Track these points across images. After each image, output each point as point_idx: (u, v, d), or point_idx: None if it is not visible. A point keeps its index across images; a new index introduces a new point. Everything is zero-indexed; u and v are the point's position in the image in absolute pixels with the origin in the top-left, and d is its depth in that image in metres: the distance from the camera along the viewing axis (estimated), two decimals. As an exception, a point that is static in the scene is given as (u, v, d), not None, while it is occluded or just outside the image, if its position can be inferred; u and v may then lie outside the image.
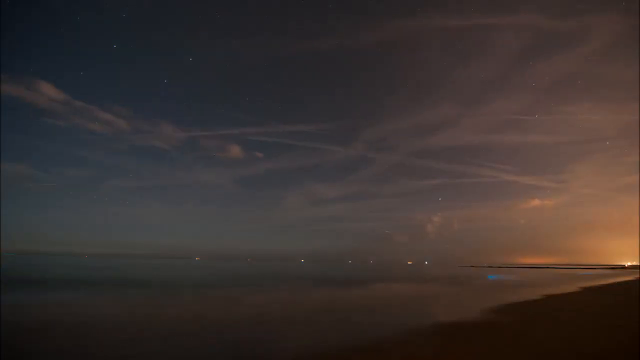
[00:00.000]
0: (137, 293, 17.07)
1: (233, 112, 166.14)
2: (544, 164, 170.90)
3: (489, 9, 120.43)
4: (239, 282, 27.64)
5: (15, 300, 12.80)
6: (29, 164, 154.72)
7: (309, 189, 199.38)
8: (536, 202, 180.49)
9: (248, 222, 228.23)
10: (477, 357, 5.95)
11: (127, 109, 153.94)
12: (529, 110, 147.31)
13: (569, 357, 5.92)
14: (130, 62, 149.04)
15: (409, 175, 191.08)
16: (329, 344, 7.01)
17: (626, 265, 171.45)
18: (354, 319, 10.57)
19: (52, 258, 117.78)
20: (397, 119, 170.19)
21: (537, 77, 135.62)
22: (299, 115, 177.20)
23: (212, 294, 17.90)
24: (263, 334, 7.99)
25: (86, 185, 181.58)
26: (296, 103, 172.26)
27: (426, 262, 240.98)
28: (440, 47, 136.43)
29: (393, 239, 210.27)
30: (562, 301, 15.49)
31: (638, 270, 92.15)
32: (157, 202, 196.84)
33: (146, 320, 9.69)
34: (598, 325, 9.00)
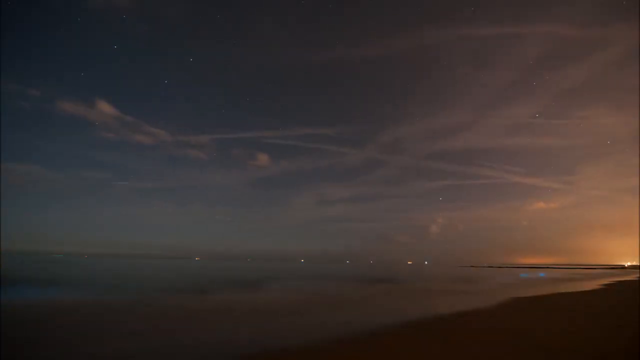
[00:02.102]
0: (132, 291, 17.05)
1: (247, 114, 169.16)
2: (554, 165, 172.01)
3: (512, 18, 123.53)
4: (232, 280, 27.65)
5: (16, 299, 12.79)
6: (29, 163, 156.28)
7: (317, 191, 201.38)
8: (543, 202, 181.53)
9: (253, 223, 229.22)
10: (476, 356, 5.93)
11: (130, 110, 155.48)
12: (543, 114, 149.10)
13: (569, 357, 5.90)
14: (131, 62, 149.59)
15: (418, 177, 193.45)
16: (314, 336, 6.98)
17: (626, 265, 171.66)
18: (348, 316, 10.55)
19: (52, 258, 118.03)
20: (413, 123, 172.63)
21: (554, 83, 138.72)
22: (314, 118, 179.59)
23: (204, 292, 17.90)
24: (253, 333, 7.98)
25: (91, 186, 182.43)
26: (312, 106, 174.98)
27: (426, 262, 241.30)
28: (459, 54, 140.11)
29: (397, 239, 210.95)
30: (561, 301, 15.46)
31: (638, 270, 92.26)
32: (159, 202, 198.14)
33: (143, 319, 9.67)
34: (598, 325, 8.98)
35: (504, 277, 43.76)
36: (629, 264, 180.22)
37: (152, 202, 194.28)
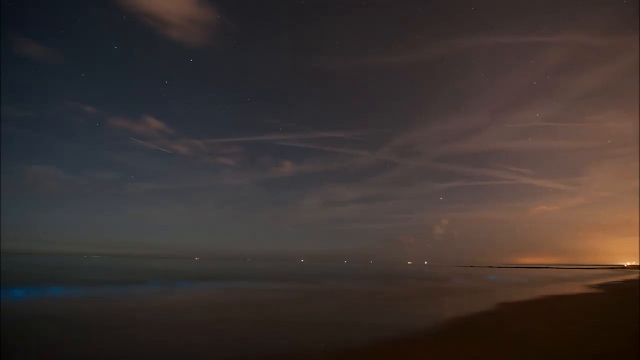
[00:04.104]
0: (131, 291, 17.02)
1: (261, 118, 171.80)
2: (563, 167, 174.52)
3: (534, 28, 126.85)
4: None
5: (16, 299, 12.77)
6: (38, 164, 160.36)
7: (327, 192, 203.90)
8: (549, 203, 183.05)
9: (259, 223, 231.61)
10: (476, 356, 5.93)
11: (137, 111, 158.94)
12: (557, 118, 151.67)
13: (569, 357, 5.90)
14: (131, 64, 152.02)
15: (427, 179, 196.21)
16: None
17: (626, 265, 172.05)
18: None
19: (48, 258, 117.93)
20: (427, 126, 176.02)
21: (571, 89, 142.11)
22: (330, 122, 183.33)
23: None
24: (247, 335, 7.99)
25: (100, 187, 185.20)
26: (329, 111, 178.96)
27: (425, 262, 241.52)
28: (480, 63, 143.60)
29: (401, 239, 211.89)
30: (562, 301, 15.47)
31: (638, 270, 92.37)
32: (165, 203, 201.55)
33: (139, 320, 9.64)
34: (598, 325, 8.98)
35: (504, 278, 43.77)
36: (628, 263, 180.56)
37: (159, 202, 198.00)
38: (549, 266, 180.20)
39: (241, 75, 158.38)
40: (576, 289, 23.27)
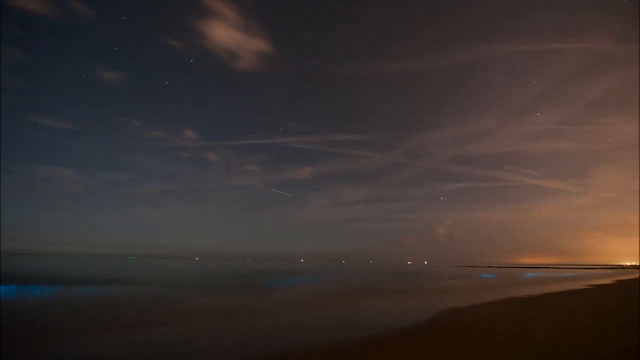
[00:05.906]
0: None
1: (275, 120, 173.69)
2: (567, 169, 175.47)
3: (555, 35, 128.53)
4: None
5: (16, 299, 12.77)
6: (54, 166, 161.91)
7: (333, 193, 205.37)
8: (554, 204, 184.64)
9: (259, 223, 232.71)
10: (476, 355, 5.91)
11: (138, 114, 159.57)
12: (567, 121, 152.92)
13: (569, 357, 5.88)
14: (131, 65, 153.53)
15: (434, 180, 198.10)
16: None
17: (625, 265, 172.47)
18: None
19: (47, 258, 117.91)
20: (440, 130, 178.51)
21: (584, 94, 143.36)
22: (342, 124, 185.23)
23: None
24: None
25: (100, 188, 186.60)
26: (345, 114, 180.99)
27: (425, 262, 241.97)
28: (498, 68, 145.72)
29: (401, 239, 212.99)
30: (562, 300, 15.46)
31: (638, 270, 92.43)
32: (170, 203, 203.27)
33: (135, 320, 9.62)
34: (598, 325, 8.97)
35: (503, 277, 43.75)
36: (628, 263, 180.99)
37: (159, 202, 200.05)
38: (549, 266, 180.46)
39: (248, 77, 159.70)
40: (576, 288, 23.26)
